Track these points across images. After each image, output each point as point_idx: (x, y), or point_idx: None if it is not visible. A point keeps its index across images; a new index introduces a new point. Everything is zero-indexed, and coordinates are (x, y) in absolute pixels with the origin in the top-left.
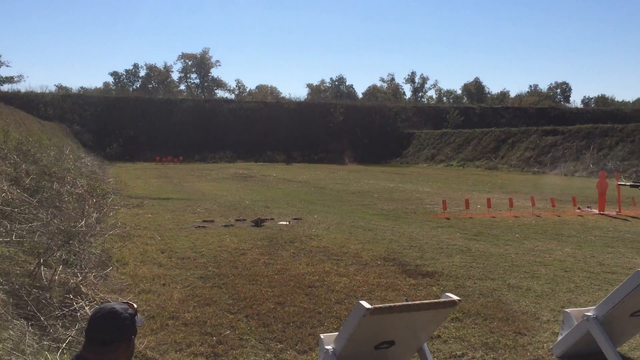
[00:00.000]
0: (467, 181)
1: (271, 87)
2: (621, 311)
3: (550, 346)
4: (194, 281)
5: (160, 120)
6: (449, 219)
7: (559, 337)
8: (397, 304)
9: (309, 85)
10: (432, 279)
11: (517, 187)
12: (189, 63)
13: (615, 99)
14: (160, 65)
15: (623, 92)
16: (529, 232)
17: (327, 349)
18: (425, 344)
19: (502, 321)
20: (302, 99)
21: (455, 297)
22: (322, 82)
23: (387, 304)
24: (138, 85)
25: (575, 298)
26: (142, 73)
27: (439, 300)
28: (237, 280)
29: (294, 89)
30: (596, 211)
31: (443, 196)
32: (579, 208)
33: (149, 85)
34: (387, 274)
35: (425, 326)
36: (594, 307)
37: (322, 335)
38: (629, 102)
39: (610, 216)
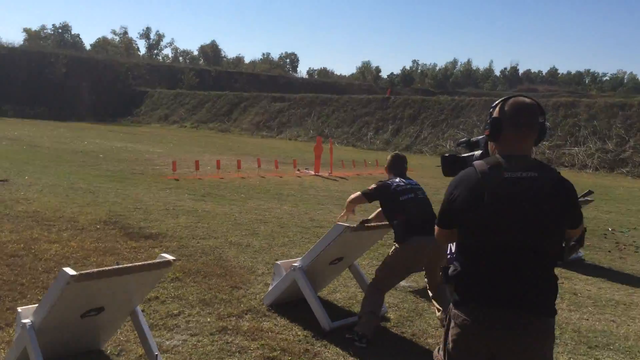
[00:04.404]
0: (200, 143)
1: None
2: (322, 260)
3: (262, 296)
4: None
5: None
6: (178, 180)
7: (270, 288)
8: (106, 268)
9: (27, 30)
10: (155, 241)
11: (247, 149)
12: None
13: (335, 72)
14: None
15: (341, 66)
16: (254, 192)
17: (24, 323)
18: (138, 307)
19: (220, 277)
20: (17, 45)
21: (170, 257)
22: (43, 27)
23: (94, 269)
24: None
25: (288, 251)
26: None
27: (152, 262)
28: None
29: (7, 33)
30: (312, 172)
31: (174, 157)
32: (298, 169)
33: None
34: (106, 238)
35: (138, 289)
36: (300, 258)
37: (19, 309)
38: (345, 75)
39: (324, 177)
